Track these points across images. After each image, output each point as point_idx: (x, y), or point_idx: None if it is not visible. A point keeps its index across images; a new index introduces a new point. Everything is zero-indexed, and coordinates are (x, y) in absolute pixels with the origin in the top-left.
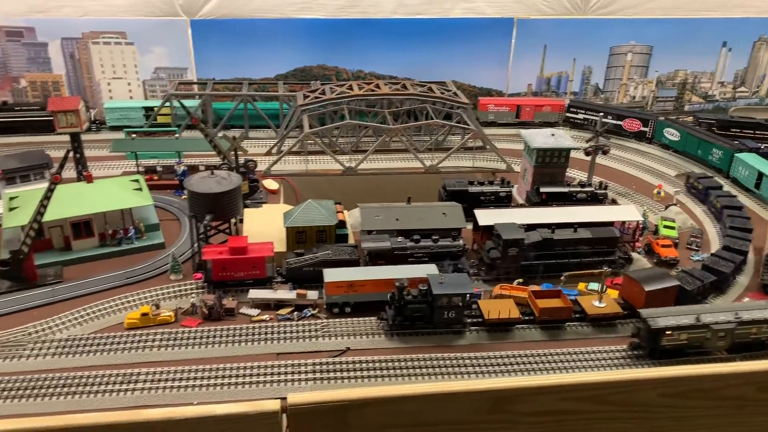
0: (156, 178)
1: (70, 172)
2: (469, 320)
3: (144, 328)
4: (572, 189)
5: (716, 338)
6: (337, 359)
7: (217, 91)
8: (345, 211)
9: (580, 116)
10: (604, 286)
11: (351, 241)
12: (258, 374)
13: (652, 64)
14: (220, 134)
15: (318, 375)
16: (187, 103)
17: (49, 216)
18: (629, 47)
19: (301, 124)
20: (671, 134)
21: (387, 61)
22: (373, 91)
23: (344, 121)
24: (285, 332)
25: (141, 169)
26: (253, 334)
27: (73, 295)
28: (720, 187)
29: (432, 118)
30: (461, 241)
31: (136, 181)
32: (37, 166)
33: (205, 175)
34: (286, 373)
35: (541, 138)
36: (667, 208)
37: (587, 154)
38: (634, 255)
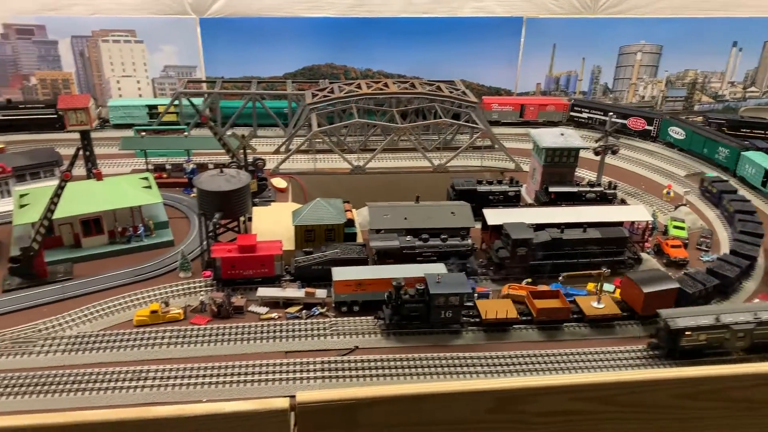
0: (165, 176)
1: (79, 169)
2: (466, 320)
3: (153, 326)
4: (581, 189)
5: (735, 338)
6: (336, 358)
7: (226, 89)
8: (353, 210)
9: (584, 115)
10: (611, 286)
11: (359, 239)
12: (267, 372)
13: (662, 63)
14: (229, 132)
15: (327, 373)
16: (194, 101)
17: (59, 213)
18: (639, 47)
19: (310, 123)
20: (676, 133)
21: (395, 59)
22: (381, 89)
23: (352, 120)
24: (293, 330)
25: (150, 167)
26: (262, 332)
27: (82, 292)
28: (734, 191)
29: (440, 117)
30: (470, 241)
31: (146, 178)
32: (47, 163)
33: (214, 173)
34: (294, 372)
35: (551, 137)
36: (676, 208)
37: (596, 153)
38: (644, 255)
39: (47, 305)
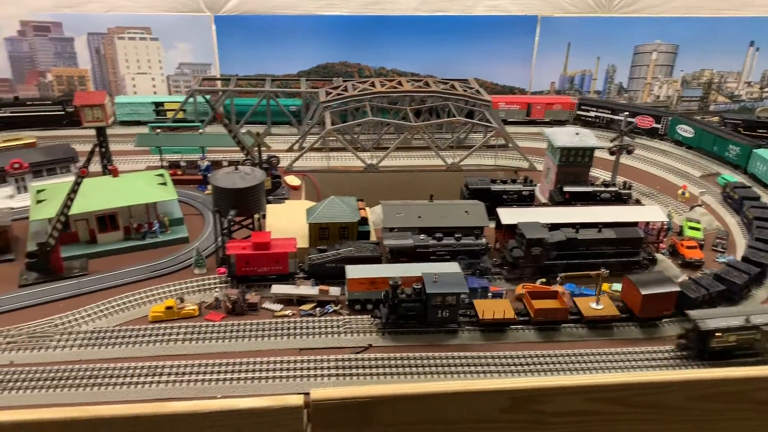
0: (179, 173)
1: (95, 166)
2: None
3: (168, 322)
4: (596, 189)
5: (766, 339)
6: (350, 356)
7: (240, 87)
8: (367, 208)
9: (592, 114)
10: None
11: (373, 238)
12: (281, 369)
13: (678, 63)
14: (243, 130)
15: (340, 371)
16: (201, 100)
17: (76, 209)
18: (654, 46)
19: (323, 121)
20: (684, 131)
21: (409, 58)
22: (395, 88)
23: (366, 118)
24: (307, 328)
25: (165, 164)
26: (276, 329)
27: (98, 287)
28: (756, 198)
29: (454, 116)
30: (484, 240)
31: (161, 175)
32: (63, 159)
33: (229, 171)
34: (308, 369)
35: (565, 137)
36: (692, 209)
37: (612, 153)
38: (659, 256)
39: (63, 300)
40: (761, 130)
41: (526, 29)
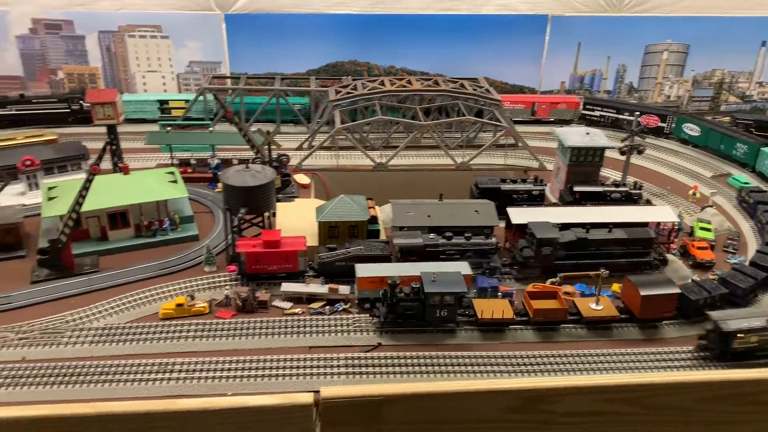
0: (190, 170)
1: (106, 163)
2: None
3: (179, 319)
4: (606, 188)
5: None
6: (360, 354)
7: (250, 85)
8: (376, 207)
9: (596, 113)
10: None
11: (382, 236)
12: (290, 367)
13: (689, 63)
14: (253, 128)
15: (350, 369)
16: (210, 98)
17: (87, 206)
18: (665, 45)
19: (333, 120)
20: (690, 129)
21: (419, 57)
22: (404, 87)
23: (375, 117)
24: (317, 326)
25: (175, 161)
26: (286, 327)
27: (109, 284)
28: None
29: (463, 115)
30: (494, 239)
31: (172, 173)
32: (74, 156)
33: (240, 169)
34: (318, 367)
35: (576, 136)
36: (703, 209)
37: (622, 153)
38: (669, 257)
39: (74, 297)
40: None
41: (537, 28)
